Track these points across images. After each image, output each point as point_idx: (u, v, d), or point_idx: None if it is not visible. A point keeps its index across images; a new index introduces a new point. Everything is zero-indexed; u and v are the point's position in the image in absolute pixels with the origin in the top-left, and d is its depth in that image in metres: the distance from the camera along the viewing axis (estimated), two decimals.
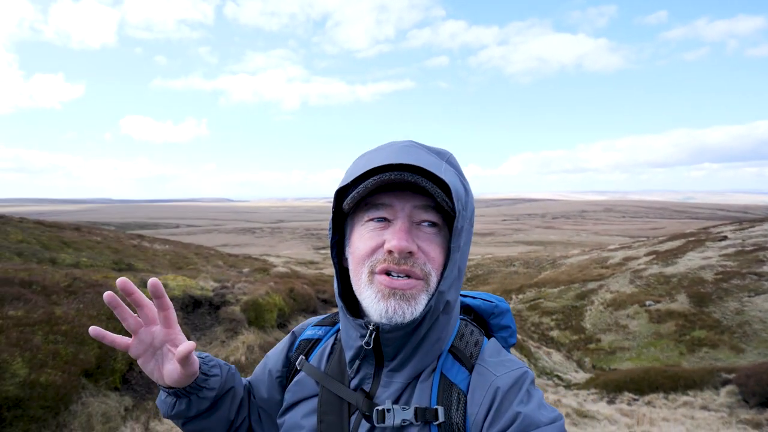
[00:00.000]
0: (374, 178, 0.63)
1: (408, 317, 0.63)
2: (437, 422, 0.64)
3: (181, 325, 4.33)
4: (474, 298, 0.84)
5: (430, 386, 0.67)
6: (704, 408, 5.90)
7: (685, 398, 6.33)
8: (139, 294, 0.67)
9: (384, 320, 0.64)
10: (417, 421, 0.64)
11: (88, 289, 4.12)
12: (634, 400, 6.83)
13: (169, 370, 0.69)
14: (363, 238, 0.67)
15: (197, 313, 5.52)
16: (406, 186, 0.65)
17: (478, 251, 41.86)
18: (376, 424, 0.65)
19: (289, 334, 0.86)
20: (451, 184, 0.62)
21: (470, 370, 0.68)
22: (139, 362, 0.70)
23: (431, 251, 0.65)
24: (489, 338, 0.76)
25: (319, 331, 0.82)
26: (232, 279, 8.20)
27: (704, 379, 6.58)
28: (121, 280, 0.64)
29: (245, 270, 12.90)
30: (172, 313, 0.69)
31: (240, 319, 5.88)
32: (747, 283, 15.46)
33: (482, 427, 0.62)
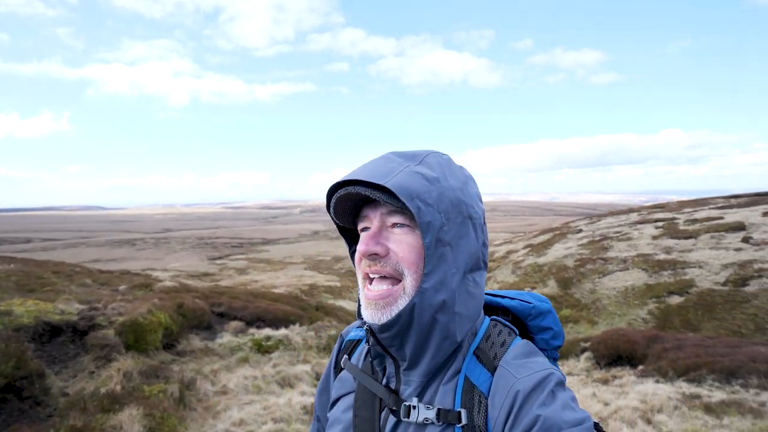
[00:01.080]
0: (333, 198, 0.72)
1: (384, 320, 0.67)
2: (460, 425, 0.65)
3: (32, 359, 3.55)
4: (512, 298, 0.82)
5: (454, 388, 0.68)
6: (569, 374, 6.99)
7: None
8: None
9: (369, 322, 0.70)
10: (439, 422, 0.66)
11: None
12: None
13: None
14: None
15: (56, 342, 4.63)
16: (367, 197, 0.71)
17: None
18: (402, 419, 0.69)
19: (339, 337, 0.91)
20: (396, 185, 0.64)
21: (492, 371, 0.67)
22: None
23: (400, 251, 0.68)
24: (527, 340, 0.75)
25: (360, 332, 0.87)
26: (104, 299, 7.09)
27: (569, 349, 7.81)
28: None
29: (121, 287, 11.25)
30: None
31: (114, 344, 5.10)
32: (597, 267, 18.70)
33: (503, 431, 0.62)
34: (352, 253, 0.79)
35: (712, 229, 18.78)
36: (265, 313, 8.86)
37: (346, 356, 0.83)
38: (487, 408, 0.65)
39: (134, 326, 5.74)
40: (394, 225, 0.69)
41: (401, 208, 0.67)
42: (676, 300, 15.27)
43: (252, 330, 8.11)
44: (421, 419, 0.67)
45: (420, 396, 0.70)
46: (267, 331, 8.01)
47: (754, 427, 4.44)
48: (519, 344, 0.71)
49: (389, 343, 0.69)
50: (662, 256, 17.86)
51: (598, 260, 19.15)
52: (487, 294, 0.83)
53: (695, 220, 20.70)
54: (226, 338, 7.44)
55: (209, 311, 8.28)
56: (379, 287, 0.69)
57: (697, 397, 5.68)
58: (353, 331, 0.89)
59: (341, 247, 49.89)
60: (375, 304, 0.68)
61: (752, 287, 14.36)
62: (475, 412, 0.65)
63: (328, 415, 0.82)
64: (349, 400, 0.78)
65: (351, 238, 0.81)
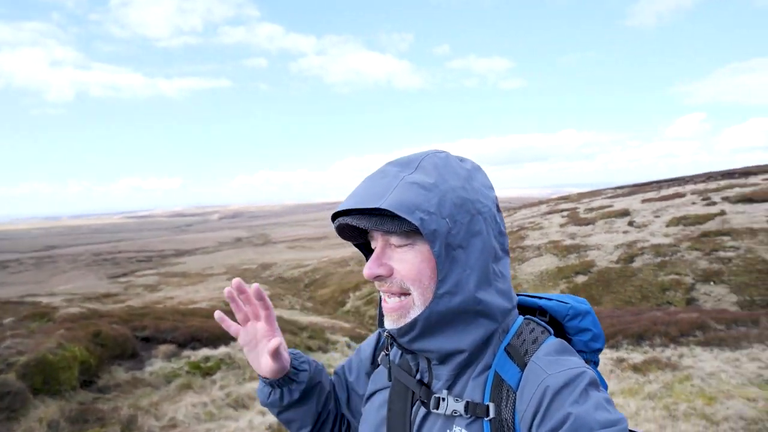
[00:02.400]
0: (334, 227, 0.76)
1: (399, 326, 0.71)
2: (488, 418, 0.66)
3: None
4: (549, 299, 0.81)
5: (484, 383, 0.70)
6: None
7: None
8: (249, 293, 0.81)
9: (388, 329, 0.73)
10: (467, 414, 0.68)
11: None
12: None
13: (264, 363, 0.82)
14: None
15: None
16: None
17: (313, 255, 41.89)
18: (432, 410, 0.71)
19: (376, 333, 0.94)
20: (393, 203, 0.64)
21: (523, 367, 0.68)
22: (244, 351, 0.84)
23: (403, 269, 0.70)
24: (561, 339, 0.74)
25: None
26: None
27: None
28: (236, 280, 0.80)
29: (7, 320, 9.34)
30: (272, 314, 0.83)
31: (19, 390, 4.18)
32: (516, 255, 20.38)
33: (531, 426, 0.62)
34: None
35: (605, 216, 21.65)
36: (200, 331, 8.02)
37: (383, 353, 0.85)
38: (515, 402, 0.65)
39: (42, 365, 4.78)
40: (395, 245, 0.71)
41: (394, 231, 0.68)
42: (581, 279, 17.27)
43: (187, 352, 7.32)
44: (449, 411, 0.69)
45: (450, 389, 0.72)
46: (205, 352, 7.31)
47: (675, 378, 5.23)
48: (552, 342, 0.70)
49: (409, 346, 0.72)
50: (568, 242, 20.10)
51: (517, 249, 20.90)
52: (524, 295, 0.84)
53: (592, 209, 23.69)
54: (157, 365, 6.60)
55: (132, 337, 7.26)
56: (393, 300, 0.72)
57: (623, 360, 6.49)
58: None
59: (268, 253, 47.54)
60: (390, 315, 0.72)
61: (637, 263, 16.81)
62: (503, 406, 0.66)
63: (363, 409, 0.86)
64: (384, 395, 0.81)
65: (367, 247, 0.83)
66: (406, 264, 0.69)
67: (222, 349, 7.37)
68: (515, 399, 0.65)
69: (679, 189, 23.93)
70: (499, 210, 0.76)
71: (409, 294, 0.70)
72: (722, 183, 22.86)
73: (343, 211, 0.72)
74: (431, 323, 0.68)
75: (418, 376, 0.77)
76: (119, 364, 6.38)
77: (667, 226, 18.68)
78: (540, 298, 0.82)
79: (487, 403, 0.67)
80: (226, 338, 7.94)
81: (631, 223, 20.49)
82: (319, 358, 8.34)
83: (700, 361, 6.32)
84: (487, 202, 0.72)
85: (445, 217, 0.66)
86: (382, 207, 0.64)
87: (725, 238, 15.82)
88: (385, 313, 0.73)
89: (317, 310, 21.12)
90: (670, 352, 7.22)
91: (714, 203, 19.53)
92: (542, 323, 0.75)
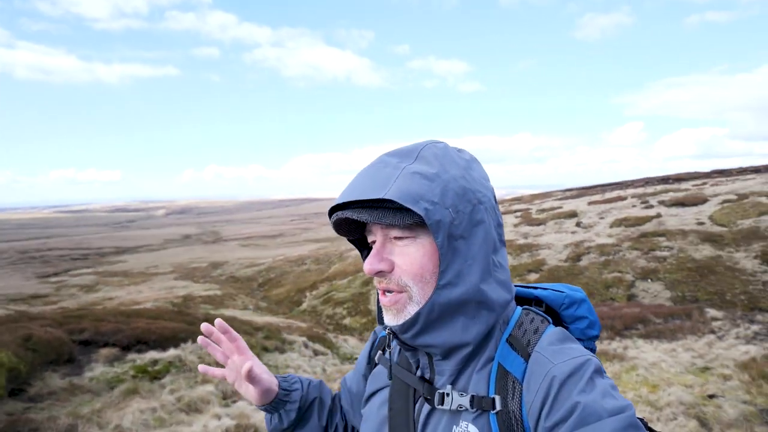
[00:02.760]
0: (331, 222, 0.73)
1: (400, 322, 0.69)
2: (495, 411, 0.65)
3: None
4: (544, 289, 0.81)
5: (488, 375, 0.68)
6: None
7: None
8: (217, 333, 0.84)
9: (389, 325, 0.71)
10: (472, 408, 0.66)
11: None
12: None
13: (249, 390, 0.83)
14: None
15: None
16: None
17: (268, 254, 40.60)
18: (436, 406, 0.70)
19: (372, 334, 0.92)
20: (397, 192, 0.62)
21: (527, 358, 0.67)
22: (235, 387, 0.85)
23: (404, 263, 0.68)
24: (561, 328, 0.73)
25: None
26: None
27: None
28: (204, 325, 0.82)
29: None
30: (242, 342, 0.84)
31: None
32: None
33: (539, 417, 0.61)
34: (365, 257, 0.80)
35: (555, 217, 22.83)
36: (146, 333, 7.49)
37: (380, 352, 0.84)
38: (521, 394, 0.65)
39: None
40: (396, 237, 0.69)
41: (396, 224, 0.67)
42: (534, 276, 18.08)
43: (132, 355, 6.82)
44: (455, 406, 0.67)
45: (453, 384, 0.70)
46: (152, 354, 6.84)
47: (622, 369, 5.60)
48: (554, 331, 0.71)
49: (412, 342, 0.70)
50: (522, 241, 20.98)
51: None
52: (519, 286, 0.85)
53: (543, 210, 24.90)
54: (98, 370, 6.09)
55: (69, 340, 6.63)
56: (390, 294, 0.71)
57: None
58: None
59: (219, 251, 45.50)
60: (389, 309, 0.70)
61: (584, 262, 17.88)
62: (510, 398, 0.65)
63: (362, 411, 0.84)
64: (384, 394, 0.80)
65: (362, 242, 0.82)
66: (407, 258, 0.68)
67: (171, 352, 6.93)
68: (522, 390, 0.64)
69: (621, 192, 25.78)
70: (496, 201, 0.75)
71: (407, 290, 0.68)
72: (658, 188, 24.90)
73: (341, 204, 0.69)
74: (433, 317, 0.67)
75: (418, 373, 0.75)
76: (54, 370, 5.81)
77: (611, 227, 20.03)
78: (535, 288, 0.82)
79: (492, 396, 0.66)
80: (176, 340, 7.45)
81: (578, 224, 21.74)
82: (277, 358, 8.08)
83: (642, 352, 6.81)
84: (487, 193, 0.72)
85: (447, 207, 0.65)
86: (386, 197, 0.62)
87: (661, 238, 17.22)
88: (383, 306, 0.72)
89: (272, 310, 20.51)
90: (616, 345, 7.73)
91: (651, 206, 21.21)
92: (541, 313, 0.75)
